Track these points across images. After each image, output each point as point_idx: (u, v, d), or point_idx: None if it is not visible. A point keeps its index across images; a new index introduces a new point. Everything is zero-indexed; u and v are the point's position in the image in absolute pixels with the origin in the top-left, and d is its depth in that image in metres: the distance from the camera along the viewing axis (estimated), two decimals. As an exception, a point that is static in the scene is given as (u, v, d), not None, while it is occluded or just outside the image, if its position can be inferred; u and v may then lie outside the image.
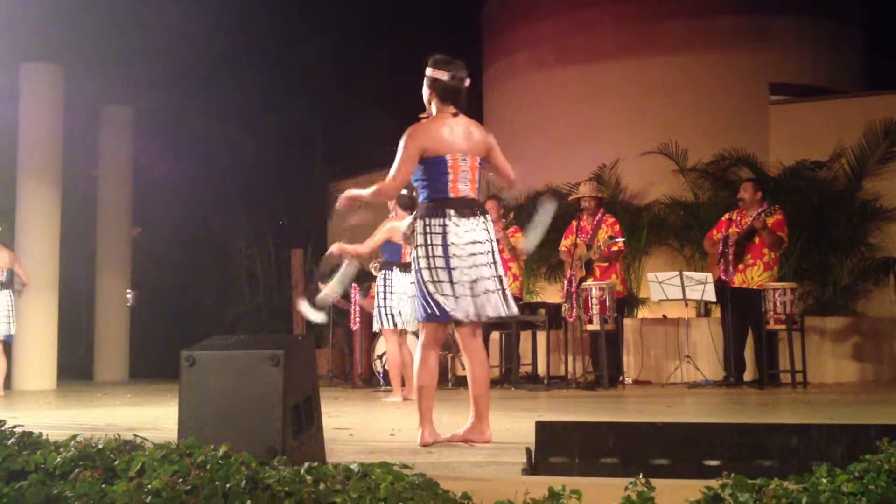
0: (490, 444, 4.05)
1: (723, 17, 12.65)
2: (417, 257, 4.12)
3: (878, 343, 10.01)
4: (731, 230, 8.71)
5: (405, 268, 7.44)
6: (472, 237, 4.10)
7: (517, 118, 13.30)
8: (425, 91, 4.27)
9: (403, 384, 7.71)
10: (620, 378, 9.08)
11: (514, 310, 4.25)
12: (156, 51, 12.30)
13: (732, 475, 2.24)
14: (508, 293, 4.21)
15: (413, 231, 4.16)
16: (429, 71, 4.24)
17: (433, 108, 4.25)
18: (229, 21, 12.86)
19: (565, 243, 9.17)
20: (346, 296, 10.78)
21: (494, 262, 4.15)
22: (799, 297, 8.70)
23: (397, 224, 7.52)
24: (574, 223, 9.15)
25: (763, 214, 8.51)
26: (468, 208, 4.14)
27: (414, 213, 4.23)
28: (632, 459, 2.80)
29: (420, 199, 4.21)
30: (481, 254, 4.11)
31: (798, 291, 8.65)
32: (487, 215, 4.20)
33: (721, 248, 8.70)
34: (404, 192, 7.80)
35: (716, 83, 12.39)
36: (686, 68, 12.48)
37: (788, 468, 2.45)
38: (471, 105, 4.42)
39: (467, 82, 4.25)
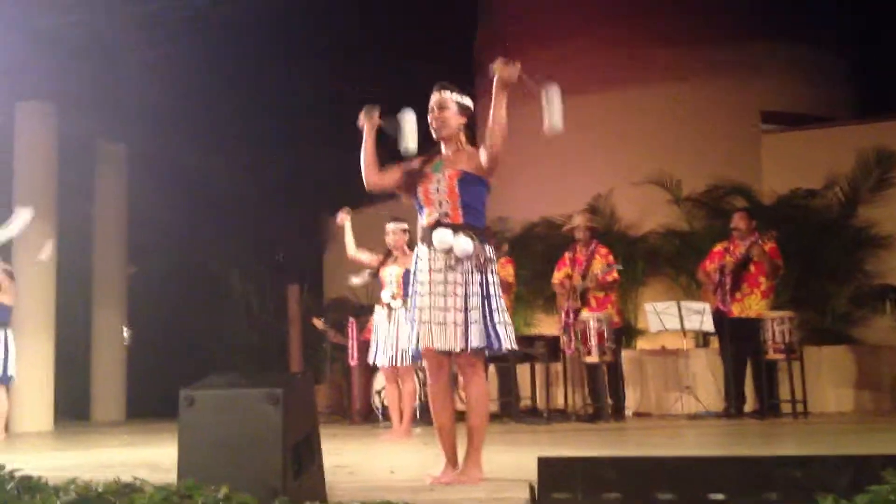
0: (490, 480, 3.99)
1: (714, 47, 12.71)
2: (493, 283, 4.05)
3: (877, 371, 9.97)
4: (726, 259, 8.72)
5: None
6: None
7: (510, 149, 13.26)
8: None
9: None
10: (621, 410, 9.03)
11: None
12: (149, 88, 12.33)
13: (739, 510, 2.23)
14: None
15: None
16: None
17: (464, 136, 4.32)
18: (223, 58, 12.92)
19: (558, 275, 9.12)
20: (342, 331, 10.74)
21: None
22: (796, 326, 8.68)
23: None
24: (567, 254, 9.12)
25: (759, 241, 8.51)
26: None
27: (476, 237, 4.14)
28: (636, 494, 2.77)
29: (482, 224, 4.20)
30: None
31: (795, 320, 8.63)
32: None
33: (718, 277, 8.70)
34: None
35: (708, 112, 12.44)
36: (678, 98, 12.52)
37: (794, 500, 2.43)
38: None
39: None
